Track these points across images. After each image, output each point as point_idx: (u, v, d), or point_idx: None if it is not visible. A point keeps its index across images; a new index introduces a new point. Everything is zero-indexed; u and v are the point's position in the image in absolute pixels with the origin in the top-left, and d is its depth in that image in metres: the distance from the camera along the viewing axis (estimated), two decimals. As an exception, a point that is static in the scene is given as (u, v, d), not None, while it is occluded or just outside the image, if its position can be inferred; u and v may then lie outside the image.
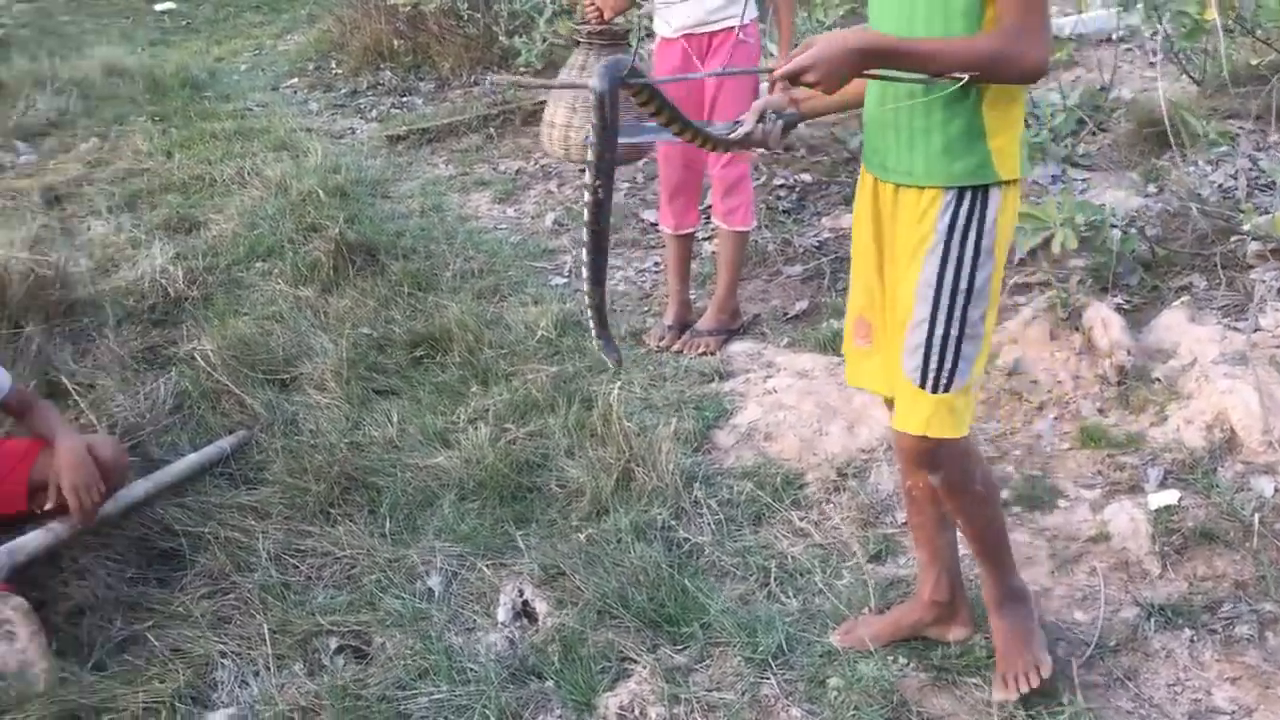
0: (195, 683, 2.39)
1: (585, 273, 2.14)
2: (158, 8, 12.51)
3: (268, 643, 2.48)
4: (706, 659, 2.40)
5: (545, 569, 2.69)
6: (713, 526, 2.83)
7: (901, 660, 2.36)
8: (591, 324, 2.18)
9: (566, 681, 2.34)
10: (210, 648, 2.48)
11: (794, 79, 1.85)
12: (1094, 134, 4.82)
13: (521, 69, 6.94)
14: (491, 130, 6.46)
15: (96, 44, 9.74)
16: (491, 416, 3.32)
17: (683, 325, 3.89)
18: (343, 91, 7.92)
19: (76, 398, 3.36)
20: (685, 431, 3.21)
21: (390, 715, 2.26)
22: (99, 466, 2.68)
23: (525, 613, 2.60)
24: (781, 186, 5.02)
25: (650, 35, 3.70)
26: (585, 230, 2.07)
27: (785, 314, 3.96)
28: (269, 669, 2.42)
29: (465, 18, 7.63)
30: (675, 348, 3.80)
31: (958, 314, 1.96)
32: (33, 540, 2.58)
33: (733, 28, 3.49)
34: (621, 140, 2.10)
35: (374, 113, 7.30)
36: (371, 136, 6.66)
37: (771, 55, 4.58)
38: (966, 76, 1.82)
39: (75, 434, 2.77)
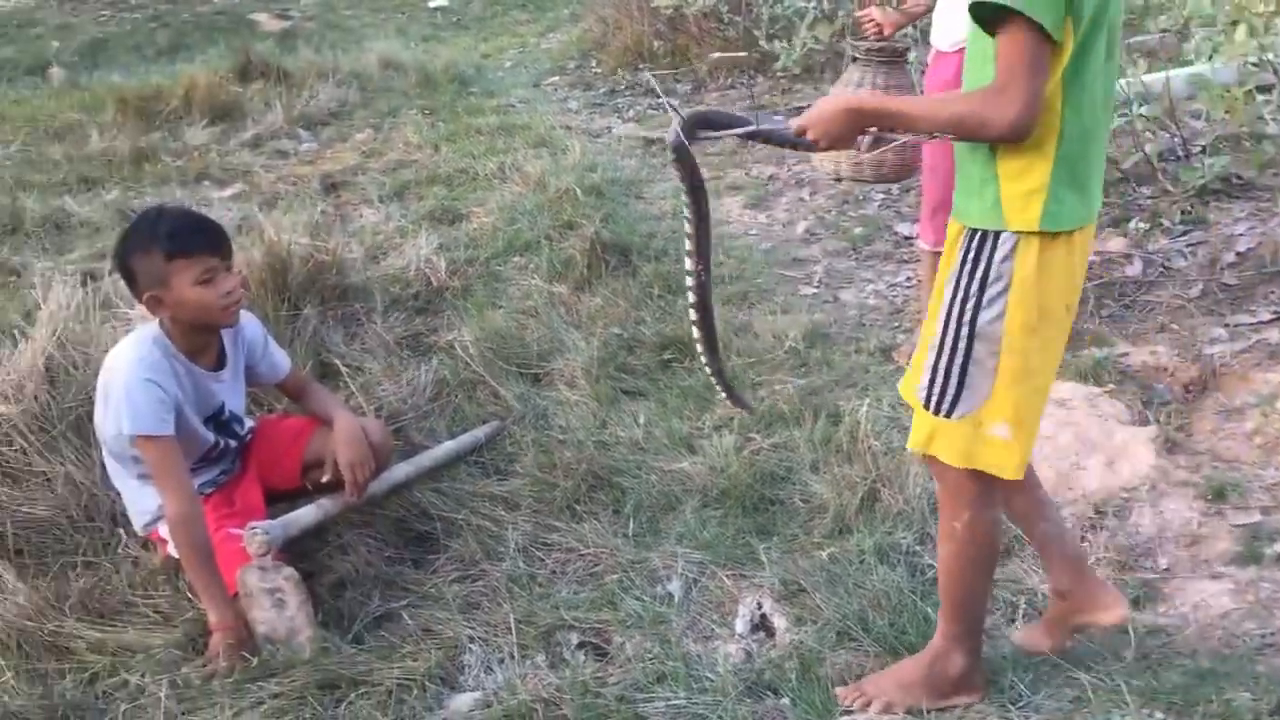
0: (444, 664, 2.48)
1: (700, 347, 2.46)
2: (431, 4, 13.09)
3: (513, 632, 2.55)
4: (948, 692, 2.34)
5: (785, 584, 2.67)
6: (959, 555, 2.75)
7: (1159, 715, 2.23)
8: (718, 387, 2.52)
9: (803, 700, 2.31)
10: (459, 631, 2.57)
11: (803, 136, 2.06)
12: None
13: (780, 73, 6.93)
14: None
15: (375, 38, 10.26)
16: (736, 425, 3.33)
17: (935, 344, 3.79)
18: (601, 91, 8.09)
19: (348, 380, 3.55)
20: (934, 454, 3.13)
21: (628, 716, 2.29)
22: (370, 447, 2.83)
23: (763, 626, 2.59)
24: (1045, 204, 4.83)
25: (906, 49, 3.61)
26: (692, 310, 2.30)
27: (1043, 339, 3.81)
28: (513, 658, 2.49)
29: (726, 21, 7.67)
30: (926, 366, 3.70)
31: (962, 346, 2.01)
32: (305, 515, 2.74)
33: (1011, 43, 3.37)
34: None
35: (631, 112, 7.42)
36: (627, 136, 6.78)
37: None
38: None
39: (352, 414, 2.93)
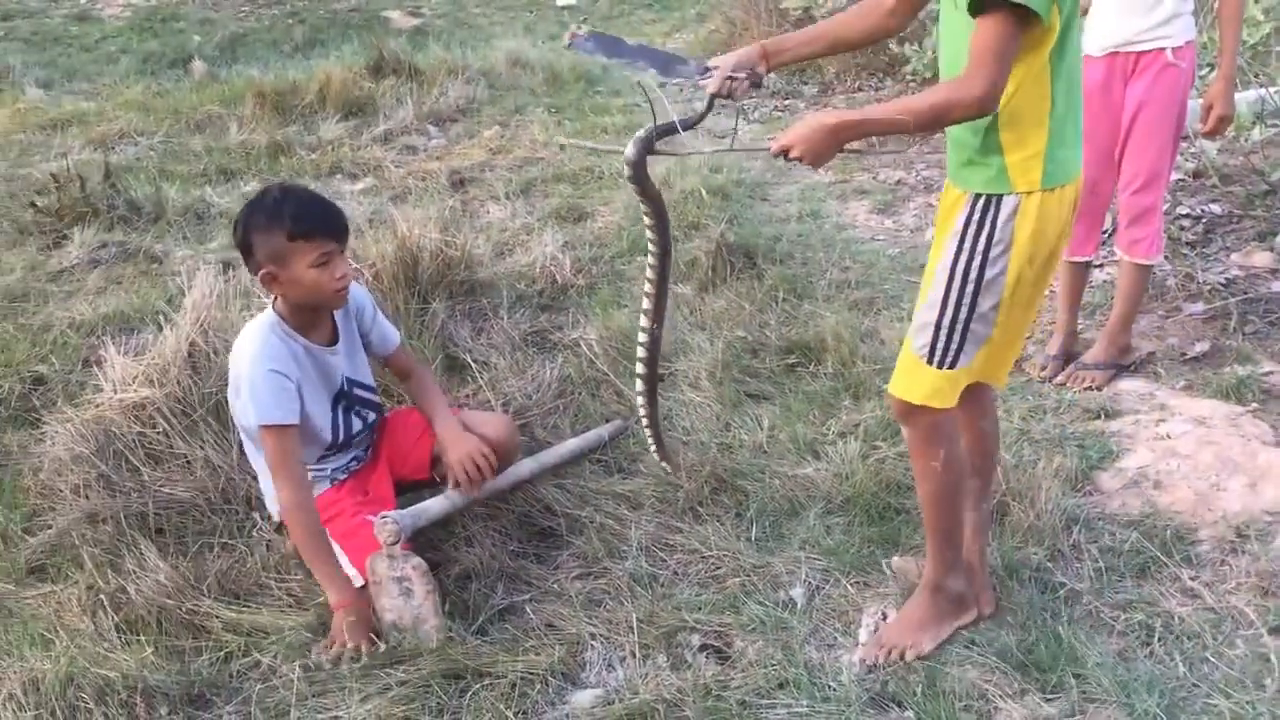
0: (566, 660, 2.48)
1: (640, 399, 2.65)
2: (558, 3, 13.24)
3: (635, 631, 2.55)
4: (1079, 714, 2.27)
5: (909, 595, 2.63)
6: (1092, 574, 2.68)
7: (1302, 751, 2.15)
8: (650, 441, 2.85)
9: (927, 715, 2.27)
10: (581, 628, 2.58)
11: (785, 156, 2.15)
12: None
13: (910, 77, 6.83)
14: (874, 140, 6.38)
15: (503, 36, 10.39)
16: (862, 432, 3.28)
17: (1068, 356, 3.71)
18: (727, 91, 8.05)
19: (475, 374, 3.60)
20: (1066, 470, 3.06)
21: (750, 722, 2.28)
22: (490, 444, 2.85)
23: (887, 637, 2.55)
24: (1186, 216, 4.68)
25: None
26: (640, 364, 2.33)
27: (1183, 355, 3.69)
28: (634, 657, 2.49)
29: (855, 23, 7.59)
30: (1058, 380, 3.63)
31: (967, 300, 2.20)
32: (433, 506, 2.76)
33: (1164, 48, 3.29)
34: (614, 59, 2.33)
35: (756, 114, 7.39)
36: (753, 138, 6.75)
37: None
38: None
39: (451, 419, 2.92)
